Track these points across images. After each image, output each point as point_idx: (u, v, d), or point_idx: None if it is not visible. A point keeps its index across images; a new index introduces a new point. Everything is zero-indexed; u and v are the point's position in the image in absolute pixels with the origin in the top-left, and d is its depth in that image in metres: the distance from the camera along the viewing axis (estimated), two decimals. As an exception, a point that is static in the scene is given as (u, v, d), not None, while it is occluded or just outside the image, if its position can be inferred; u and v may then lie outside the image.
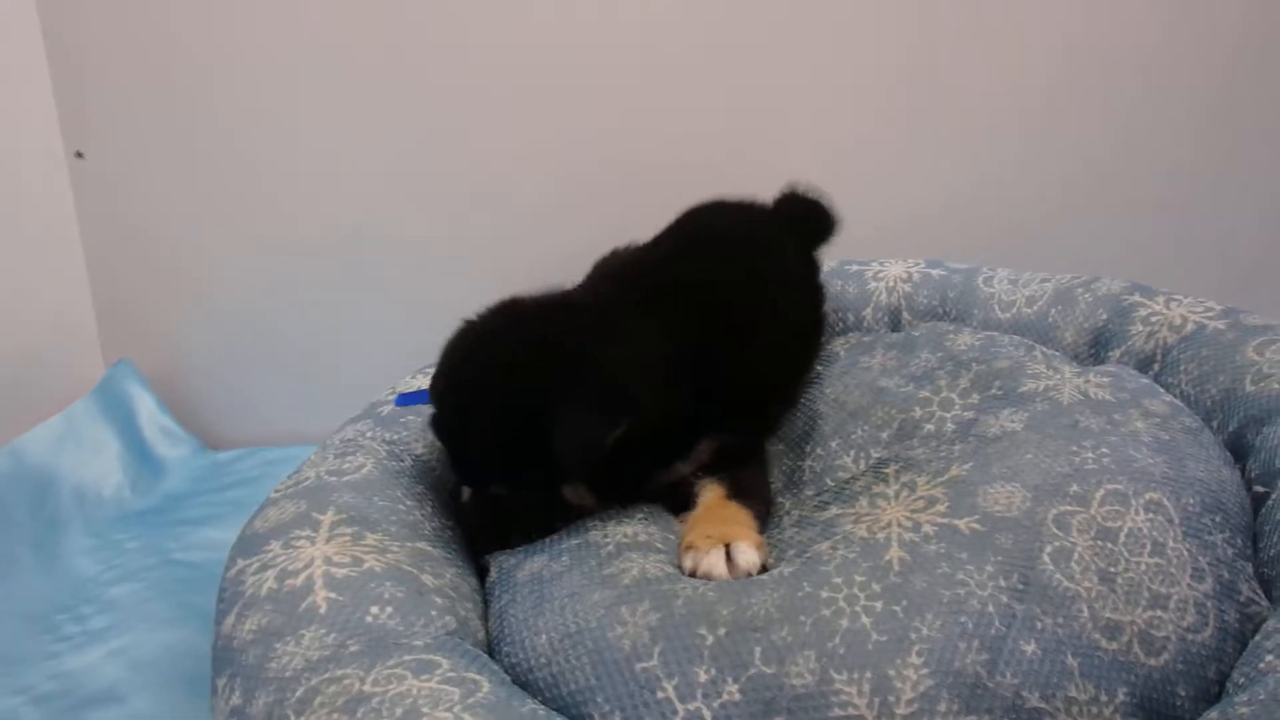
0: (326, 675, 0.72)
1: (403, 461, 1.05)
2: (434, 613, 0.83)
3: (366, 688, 0.70)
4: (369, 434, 1.09)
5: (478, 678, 0.73)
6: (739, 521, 0.93)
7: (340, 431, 1.12)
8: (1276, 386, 1.03)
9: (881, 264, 1.51)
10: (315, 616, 0.79)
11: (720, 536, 0.89)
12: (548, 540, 0.96)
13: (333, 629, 0.78)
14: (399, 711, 0.68)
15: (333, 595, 0.81)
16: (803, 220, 1.36)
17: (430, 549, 0.93)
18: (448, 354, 0.98)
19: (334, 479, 0.99)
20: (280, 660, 0.75)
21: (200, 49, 1.65)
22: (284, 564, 0.85)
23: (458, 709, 0.68)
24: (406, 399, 1.16)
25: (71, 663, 1.13)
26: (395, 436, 1.09)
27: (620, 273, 1.18)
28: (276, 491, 0.99)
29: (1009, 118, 1.76)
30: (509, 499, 0.98)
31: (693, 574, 0.87)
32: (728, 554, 0.88)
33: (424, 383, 1.19)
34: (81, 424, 1.57)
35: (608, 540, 0.93)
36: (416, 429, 1.11)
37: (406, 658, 0.74)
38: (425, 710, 0.68)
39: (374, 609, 0.80)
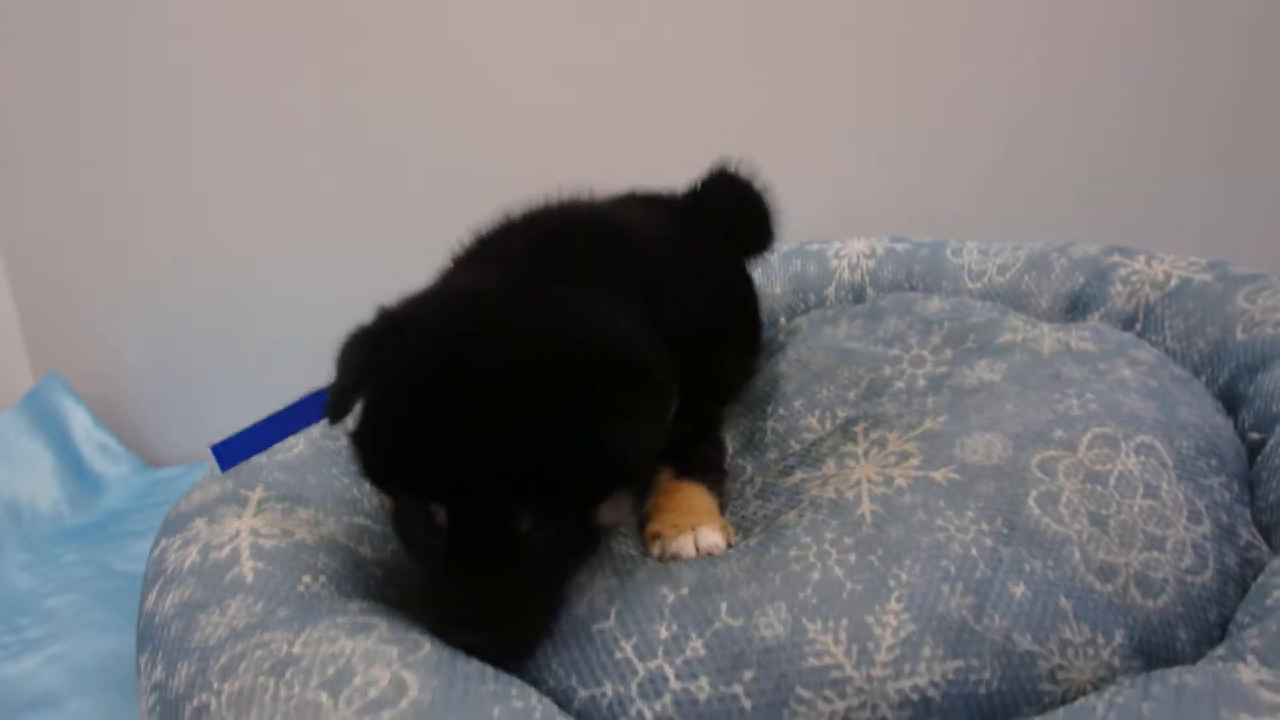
0: (253, 640, 0.68)
1: (338, 440, 1.01)
2: (373, 583, 0.79)
3: (295, 650, 0.66)
4: (306, 416, 1.05)
5: (419, 638, 0.69)
6: (703, 508, 0.89)
7: (272, 412, 1.08)
8: (1270, 331, 1.02)
9: (842, 242, 1.49)
10: (241, 587, 0.75)
11: (686, 525, 0.85)
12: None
13: (260, 598, 0.74)
14: (330, 671, 0.64)
15: (260, 565, 0.77)
16: (731, 204, 1.25)
17: (370, 524, 0.89)
18: (422, 350, 0.73)
19: (264, 459, 0.95)
20: (203, 631, 0.71)
21: (121, 53, 1.63)
22: (208, 538, 0.81)
23: (396, 666, 0.64)
24: (234, 448, 0.87)
25: (8, 670, 1.11)
26: (334, 417, 1.05)
27: (540, 253, 0.95)
28: (204, 476, 0.95)
29: (979, 101, 1.76)
30: (521, 546, 0.70)
31: (659, 560, 0.83)
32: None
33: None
34: (10, 438, 1.53)
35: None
36: (353, 413, 1.07)
37: (340, 620, 0.70)
38: (359, 668, 0.64)
39: (305, 578, 0.77)
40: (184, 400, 1.77)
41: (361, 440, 0.74)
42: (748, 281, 1.28)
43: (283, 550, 0.79)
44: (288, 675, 0.64)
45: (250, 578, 0.76)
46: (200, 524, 0.84)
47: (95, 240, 1.72)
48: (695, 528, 0.83)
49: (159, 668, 0.70)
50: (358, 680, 0.63)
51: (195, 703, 0.65)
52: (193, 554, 0.80)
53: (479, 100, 1.68)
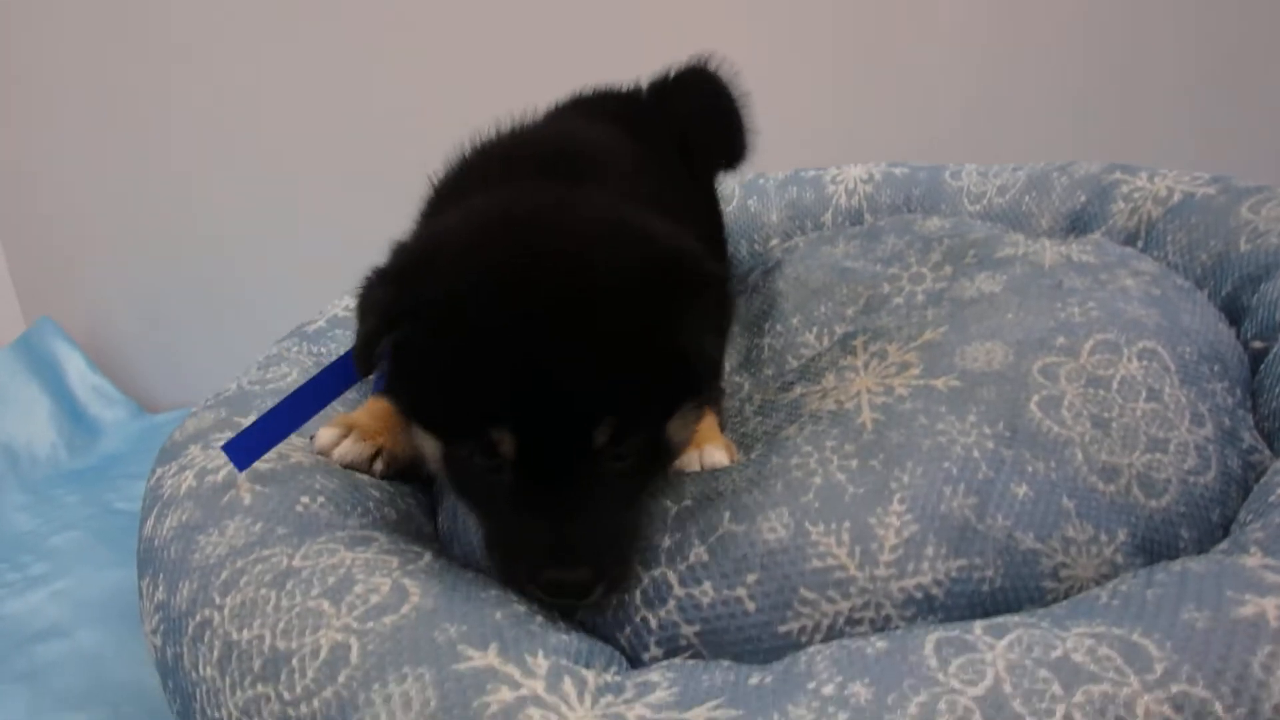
0: (253, 556, 0.68)
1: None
2: (371, 504, 0.79)
3: (296, 563, 0.66)
4: (295, 349, 1.05)
5: (420, 549, 0.69)
6: (705, 426, 0.88)
7: (266, 351, 1.07)
8: (1275, 241, 1.01)
9: (839, 168, 1.46)
10: (239, 509, 0.75)
11: (691, 441, 0.84)
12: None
13: (259, 519, 0.73)
14: (331, 580, 0.64)
15: (258, 487, 0.77)
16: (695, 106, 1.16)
17: (367, 449, 0.88)
18: (473, 278, 0.66)
19: (257, 388, 0.95)
20: (203, 551, 0.71)
21: (112, 6, 1.61)
22: (203, 463, 0.81)
23: (396, 574, 0.64)
24: (248, 443, 0.78)
25: (13, 606, 1.13)
26: (322, 349, 1.06)
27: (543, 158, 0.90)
28: (198, 406, 0.95)
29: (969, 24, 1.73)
30: (599, 468, 0.66)
31: None
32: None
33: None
34: (3, 381, 1.53)
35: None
36: (344, 341, 1.06)
37: (339, 534, 0.70)
38: (360, 577, 0.64)
39: (304, 499, 0.76)
40: (180, 345, 1.77)
41: (404, 383, 0.70)
42: (712, 195, 1.22)
43: (279, 473, 0.79)
44: (289, 586, 0.64)
45: (248, 499, 0.75)
46: (195, 450, 0.84)
47: (88, 185, 1.70)
48: (700, 445, 0.82)
49: (160, 588, 0.70)
50: (359, 588, 0.63)
51: (198, 618, 0.65)
52: (189, 479, 0.79)
53: (479, 50, 1.66)
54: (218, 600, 0.65)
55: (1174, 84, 1.79)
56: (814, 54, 1.72)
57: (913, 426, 0.75)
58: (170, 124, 1.68)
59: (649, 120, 1.09)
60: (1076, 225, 1.25)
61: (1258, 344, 0.95)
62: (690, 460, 0.81)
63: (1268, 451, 0.84)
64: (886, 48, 1.73)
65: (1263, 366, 0.92)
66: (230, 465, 0.79)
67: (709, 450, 0.82)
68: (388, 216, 1.65)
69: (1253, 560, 0.61)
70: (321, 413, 0.91)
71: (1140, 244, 1.16)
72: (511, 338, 0.63)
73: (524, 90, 1.18)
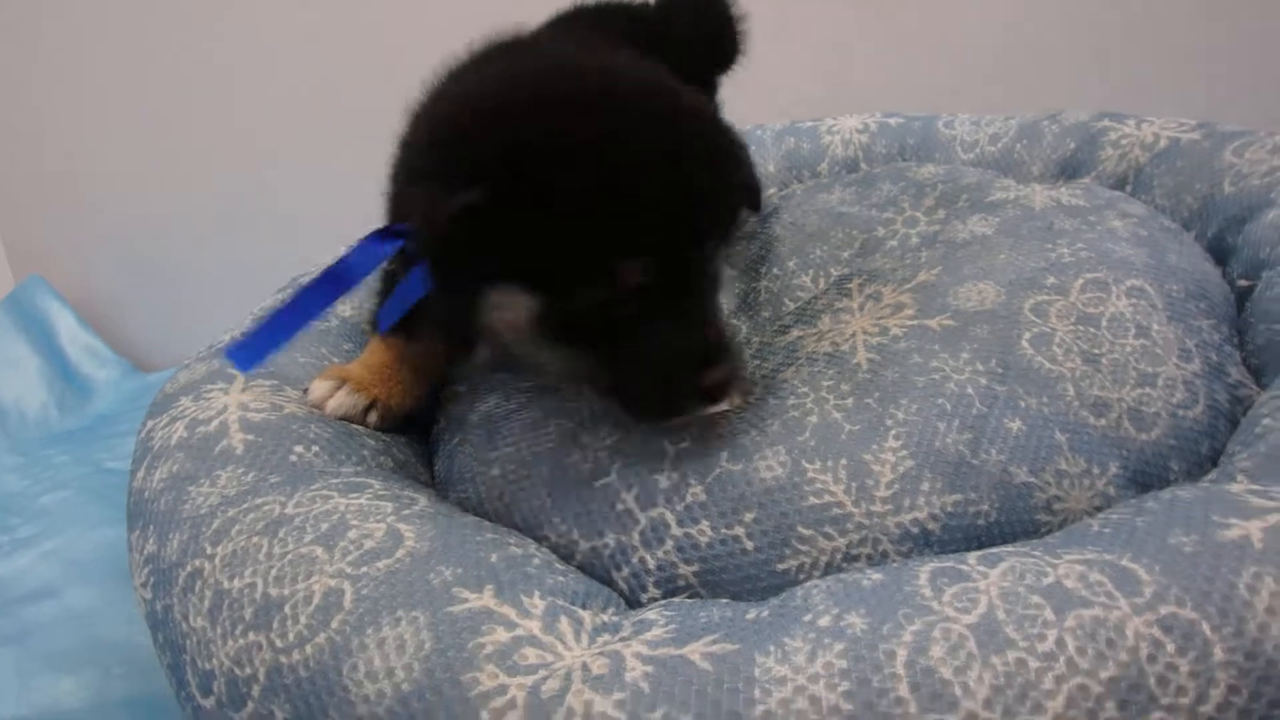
0: (244, 505, 0.67)
1: (327, 322, 0.99)
2: (367, 453, 0.77)
3: (288, 510, 0.65)
4: (291, 301, 1.02)
5: (415, 495, 0.67)
6: None
7: (262, 304, 1.05)
8: (1257, 183, 1.00)
9: (835, 119, 1.45)
10: (231, 458, 0.73)
11: None
12: (497, 381, 0.90)
13: (251, 468, 0.72)
14: (324, 527, 0.62)
15: (250, 437, 0.75)
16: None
17: (362, 401, 0.86)
18: (577, 125, 0.65)
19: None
20: (194, 501, 0.69)
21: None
22: (195, 414, 0.79)
23: (391, 519, 0.63)
24: (250, 348, 0.74)
25: (2, 567, 1.10)
26: (320, 301, 1.02)
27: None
28: (190, 359, 0.92)
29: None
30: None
31: None
32: None
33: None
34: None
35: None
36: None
37: (333, 481, 0.68)
38: (354, 522, 0.62)
39: (297, 448, 0.74)
40: (172, 303, 1.74)
41: (511, 235, 0.64)
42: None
43: (273, 423, 0.77)
44: (281, 534, 0.62)
45: (240, 449, 0.74)
46: (187, 401, 0.82)
47: (77, 141, 1.66)
48: None
49: (150, 540, 0.69)
50: (353, 534, 0.61)
51: (188, 569, 0.64)
52: (179, 429, 0.77)
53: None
54: (209, 550, 0.64)
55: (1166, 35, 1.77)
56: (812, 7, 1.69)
57: (907, 365, 0.74)
58: (161, 78, 1.64)
59: (655, 33, 1.05)
60: (1067, 172, 1.24)
61: (1243, 282, 0.94)
62: None
63: (1255, 386, 0.84)
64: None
65: (1248, 304, 0.92)
66: (223, 415, 0.77)
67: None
68: (383, 168, 1.62)
69: (1238, 487, 0.61)
70: (316, 365, 0.90)
71: (1129, 188, 1.16)
72: (635, 179, 0.64)
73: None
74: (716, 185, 0.67)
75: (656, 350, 0.66)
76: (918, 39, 1.73)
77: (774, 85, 1.55)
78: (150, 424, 0.82)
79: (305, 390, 0.83)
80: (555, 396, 0.83)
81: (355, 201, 1.66)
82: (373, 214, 1.10)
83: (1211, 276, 0.93)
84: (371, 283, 1.07)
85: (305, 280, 1.06)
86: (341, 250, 1.12)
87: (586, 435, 0.75)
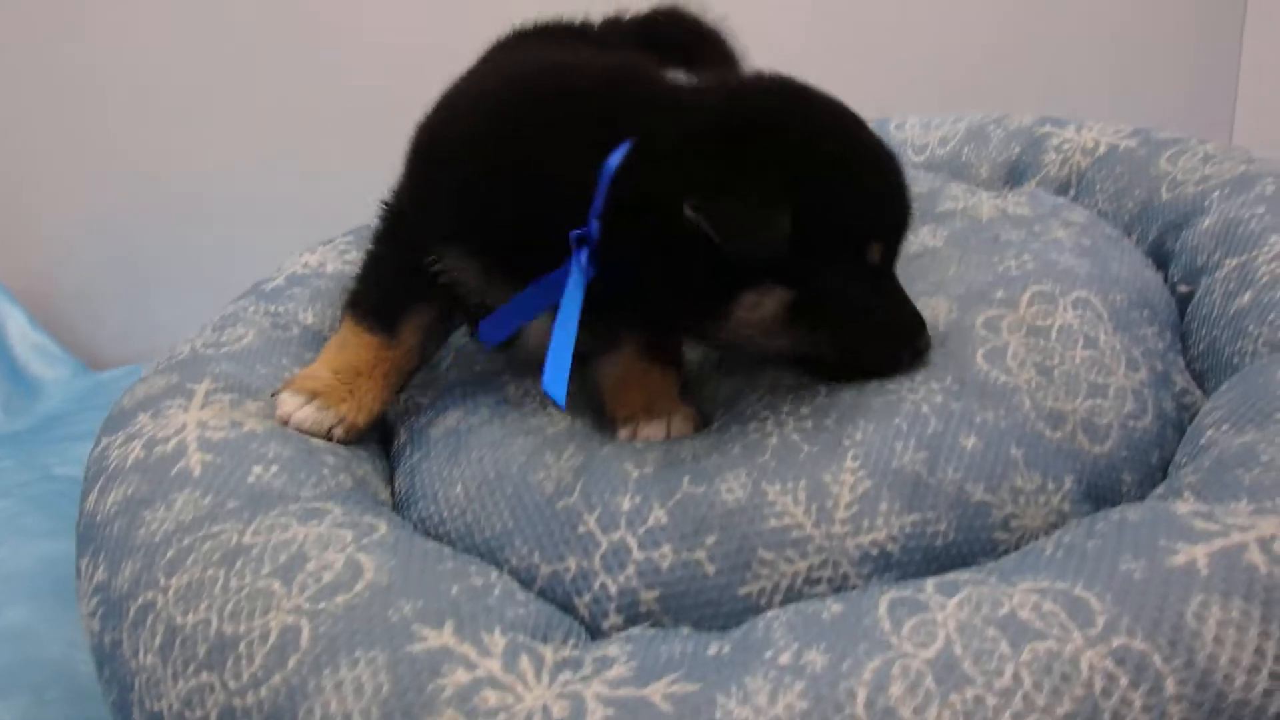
0: (201, 533, 0.63)
1: (289, 331, 0.94)
2: (325, 471, 0.73)
3: (246, 539, 0.61)
4: (251, 308, 0.98)
5: (375, 521, 0.64)
6: (670, 393, 0.83)
7: (222, 310, 1.00)
8: (1190, 191, 1.00)
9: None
10: (188, 480, 0.69)
11: (661, 410, 0.79)
12: (460, 395, 0.87)
13: (209, 491, 0.68)
14: (282, 558, 0.59)
15: (209, 458, 0.71)
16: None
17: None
18: (838, 142, 0.73)
19: (211, 350, 0.88)
20: (149, 527, 0.65)
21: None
22: (152, 432, 0.75)
23: (350, 549, 0.59)
24: (500, 323, 0.77)
25: None
26: (281, 309, 0.98)
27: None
28: (147, 370, 0.88)
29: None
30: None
31: (629, 439, 0.77)
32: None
33: (316, 259, 1.07)
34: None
35: (527, 397, 0.84)
36: (303, 300, 0.99)
37: (292, 507, 0.65)
38: (313, 554, 0.59)
39: (256, 468, 0.70)
40: (126, 300, 1.66)
41: (837, 221, 0.70)
42: None
43: (232, 441, 0.73)
44: (238, 565, 0.59)
45: (198, 470, 0.70)
46: (144, 418, 0.77)
47: (26, 135, 1.58)
48: (670, 414, 0.78)
49: (101, 568, 0.64)
50: (311, 565, 0.58)
51: (141, 600, 0.60)
52: (136, 449, 0.73)
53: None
54: (162, 581, 0.60)
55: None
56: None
57: (864, 386, 0.72)
58: (115, 74, 1.56)
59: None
60: (1013, 175, 1.24)
61: (1184, 288, 0.94)
62: (658, 429, 0.77)
63: (1199, 392, 0.83)
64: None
65: (1189, 309, 0.91)
66: (181, 434, 0.73)
67: (678, 421, 0.78)
68: (342, 171, 1.58)
69: (1184, 506, 0.59)
70: (277, 376, 0.85)
71: (1072, 192, 1.15)
72: (876, 174, 0.74)
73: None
74: None
75: (879, 320, 0.74)
76: (871, 40, 1.72)
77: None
78: (105, 441, 0.77)
79: (273, 395, 0.79)
80: (519, 411, 0.80)
81: (311, 201, 1.63)
82: (329, 214, 1.06)
83: (1153, 284, 0.92)
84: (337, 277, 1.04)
85: (268, 287, 1.02)
86: (303, 258, 1.09)
87: (550, 453, 0.73)
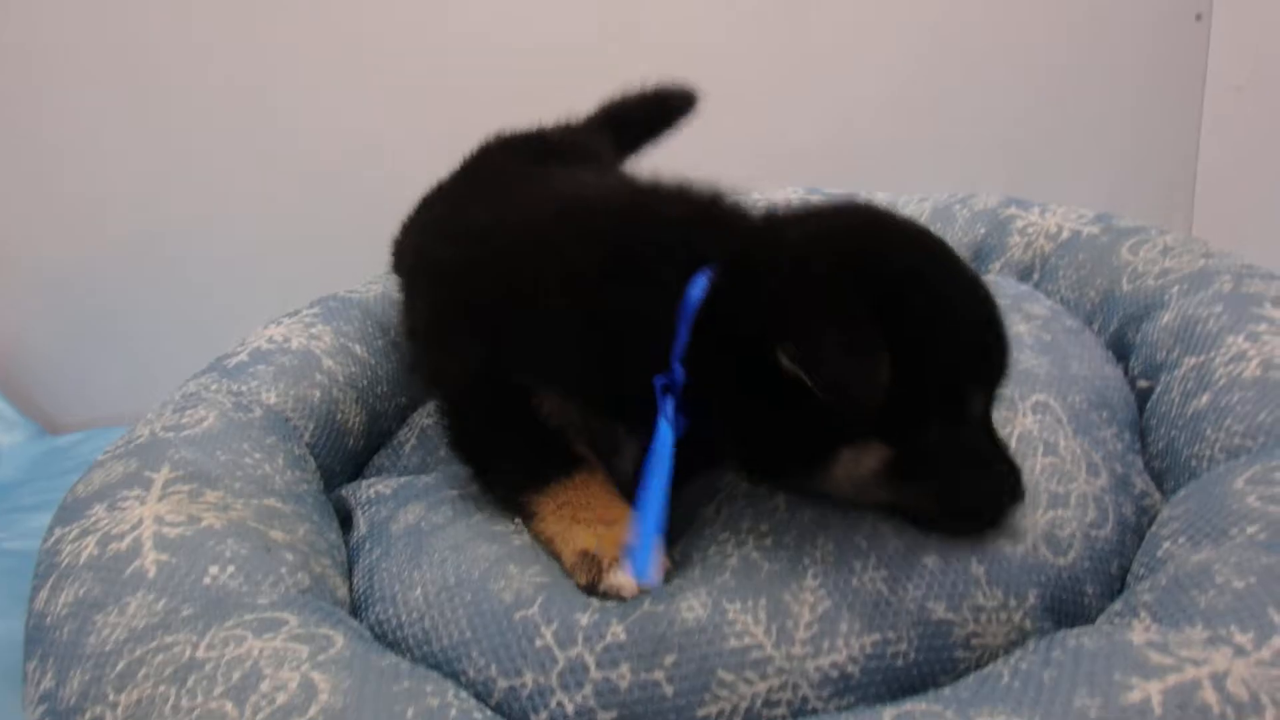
0: (153, 644, 0.62)
1: (251, 412, 0.92)
2: (284, 570, 0.72)
3: (199, 653, 0.60)
4: (214, 386, 0.96)
5: (331, 633, 0.63)
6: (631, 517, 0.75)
7: (182, 387, 0.98)
8: (1151, 283, 1.01)
9: (762, 192, 1.44)
10: (143, 582, 0.67)
11: (621, 540, 0.71)
12: (423, 487, 0.86)
13: (163, 594, 0.66)
14: (236, 676, 0.58)
15: (164, 557, 0.70)
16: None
17: (280, 505, 0.81)
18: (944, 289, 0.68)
19: (171, 434, 0.86)
20: (100, 634, 0.64)
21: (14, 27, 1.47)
22: (108, 528, 0.73)
23: (305, 667, 0.58)
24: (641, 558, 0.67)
25: None
26: (243, 387, 0.96)
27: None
28: (105, 453, 0.86)
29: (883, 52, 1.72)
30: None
31: (591, 587, 0.70)
32: None
33: (281, 332, 1.06)
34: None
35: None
36: (267, 378, 0.98)
37: (248, 617, 0.64)
38: (267, 671, 0.58)
39: (213, 569, 0.69)
40: (84, 362, 1.63)
41: (937, 372, 0.65)
42: None
43: (189, 539, 0.72)
44: (190, 683, 0.58)
45: (153, 571, 0.68)
46: (100, 510, 0.76)
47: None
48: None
49: (49, 675, 0.63)
50: (265, 685, 0.57)
51: (88, 716, 0.58)
52: (90, 546, 0.72)
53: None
54: (111, 696, 0.59)
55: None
56: (750, 81, 1.69)
57: (823, 504, 0.72)
58: (77, 138, 1.56)
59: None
60: (979, 256, 1.25)
61: (1143, 383, 0.95)
62: (625, 583, 0.69)
63: (1158, 494, 0.84)
64: (813, 78, 1.72)
65: (1149, 405, 0.92)
66: (136, 531, 0.72)
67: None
68: (307, 241, 1.58)
69: (1139, 635, 0.60)
70: (237, 463, 0.84)
71: (1036, 276, 1.17)
72: (978, 321, 0.68)
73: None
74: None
75: (982, 469, 0.69)
76: (842, 110, 1.75)
77: (712, 154, 1.53)
78: (58, 533, 0.76)
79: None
80: (484, 512, 0.80)
81: (274, 269, 1.62)
82: (294, 283, 1.05)
83: (1112, 381, 0.93)
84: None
85: (230, 363, 1.01)
86: (267, 331, 1.08)
87: (514, 565, 0.72)
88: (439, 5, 1.60)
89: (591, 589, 0.69)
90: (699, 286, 0.69)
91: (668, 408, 0.68)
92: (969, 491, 0.70)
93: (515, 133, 1.12)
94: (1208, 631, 0.60)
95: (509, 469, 0.79)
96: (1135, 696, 0.54)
